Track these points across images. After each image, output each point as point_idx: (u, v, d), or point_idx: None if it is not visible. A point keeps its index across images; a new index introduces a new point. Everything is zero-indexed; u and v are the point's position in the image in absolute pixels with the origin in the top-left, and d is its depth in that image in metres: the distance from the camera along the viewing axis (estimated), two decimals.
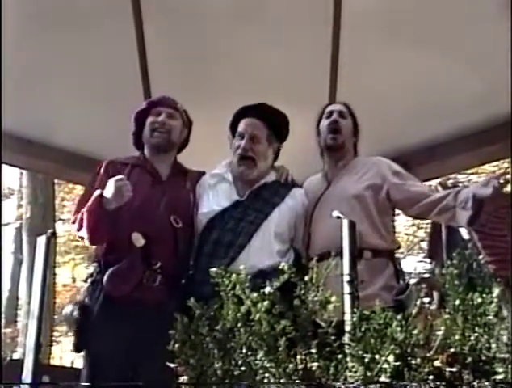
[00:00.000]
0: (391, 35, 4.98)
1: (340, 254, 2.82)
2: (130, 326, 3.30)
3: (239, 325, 2.25)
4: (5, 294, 15.30)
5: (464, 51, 4.99)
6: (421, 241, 13.40)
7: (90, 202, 3.44)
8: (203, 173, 3.91)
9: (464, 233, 6.53)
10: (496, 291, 2.09)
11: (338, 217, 2.83)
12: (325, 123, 3.95)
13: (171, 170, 3.82)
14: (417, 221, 12.19)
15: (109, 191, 3.40)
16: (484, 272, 2.10)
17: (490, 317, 2.06)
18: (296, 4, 4.87)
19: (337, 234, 2.73)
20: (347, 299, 2.49)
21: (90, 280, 3.56)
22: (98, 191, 3.45)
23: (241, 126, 3.76)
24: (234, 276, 2.34)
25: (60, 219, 15.80)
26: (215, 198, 3.72)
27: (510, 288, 2.11)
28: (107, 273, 3.42)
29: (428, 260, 8.46)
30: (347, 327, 2.26)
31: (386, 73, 5.10)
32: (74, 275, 18.68)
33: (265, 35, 5.03)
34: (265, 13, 4.94)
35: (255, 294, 2.31)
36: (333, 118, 3.91)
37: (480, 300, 2.07)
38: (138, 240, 3.44)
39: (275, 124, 3.81)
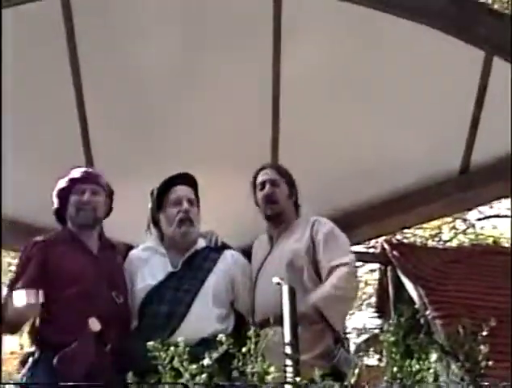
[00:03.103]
0: (332, 94, 5.04)
1: (279, 321, 2.84)
2: None
3: None
4: None
5: (406, 109, 5.09)
6: (370, 297, 13.44)
7: None
8: (128, 246, 3.90)
9: (411, 288, 6.58)
10: (433, 357, 2.09)
11: (278, 284, 2.82)
12: (259, 195, 3.99)
13: (100, 243, 3.77)
14: (365, 277, 12.24)
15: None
16: (421, 338, 2.10)
17: (429, 384, 2.05)
18: (236, 64, 4.90)
19: (277, 301, 2.72)
20: (289, 368, 2.46)
21: (31, 360, 3.47)
22: None
23: (177, 193, 3.81)
24: (172, 348, 2.30)
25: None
26: (149, 272, 3.72)
27: (447, 353, 2.11)
28: (59, 355, 3.32)
29: (377, 316, 8.49)
30: None
31: (327, 133, 5.13)
32: (22, 342, 18.20)
33: (205, 98, 5.03)
34: (203, 74, 4.95)
35: (194, 366, 2.27)
36: (267, 191, 3.96)
37: (417, 366, 2.06)
38: (95, 325, 3.39)
39: (196, 189, 3.91)
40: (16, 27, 4.48)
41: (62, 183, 3.80)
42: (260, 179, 4.03)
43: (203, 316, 3.54)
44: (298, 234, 3.87)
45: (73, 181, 3.78)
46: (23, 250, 3.67)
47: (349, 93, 5.06)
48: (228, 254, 3.86)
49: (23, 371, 3.50)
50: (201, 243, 3.84)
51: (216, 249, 3.87)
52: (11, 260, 16.06)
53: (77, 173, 3.84)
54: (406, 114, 5.12)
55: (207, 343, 3.11)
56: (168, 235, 3.79)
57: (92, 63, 4.84)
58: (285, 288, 2.70)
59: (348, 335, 3.39)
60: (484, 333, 2.09)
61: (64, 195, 3.76)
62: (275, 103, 5.06)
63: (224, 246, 3.91)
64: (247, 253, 4.11)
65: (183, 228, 3.74)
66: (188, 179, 3.88)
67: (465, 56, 4.78)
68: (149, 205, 3.90)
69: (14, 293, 3.41)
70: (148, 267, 3.75)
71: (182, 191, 3.82)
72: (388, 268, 6.56)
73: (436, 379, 2.08)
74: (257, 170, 4.14)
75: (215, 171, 4.85)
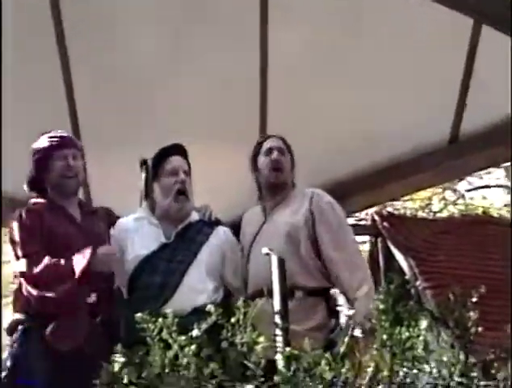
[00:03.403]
0: (319, 68, 5.02)
1: (271, 292, 2.83)
2: (68, 378, 3.21)
3: (166, 370, 2.19)
4: None
5: (394, 80, 5.08)
6: None
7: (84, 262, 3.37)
8: (108, 210, 3.87)
9: (401, 259, 6.58)
10: (423, 324, 2.07)
11: (267, 254, 2.81)
12: (265, 160, 3.94)
13: (81, 210, 3.74)
14: None
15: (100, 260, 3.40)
16: (410, 305, 2.08)
17: (418, 351, 2.04)
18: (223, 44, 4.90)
19: (266, 272, 2.71)
20: (279, 338, 2.45)
21: (20, 328, 3.43)
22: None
23: (172, 163, 3.80)
24: (160, 319, 2.28)
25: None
26: (141, 242, 3.70)
27: (436, 320, 2.10)
28: (51, 326, 3.32)
29: None
30: (279, 367, 2.22)
31: (316, 105, 5.12)
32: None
33: (196, 74, 5.01)
34: (190, 58, 4.94)
35: (183, 337, 2.26)
36: (275, 157, 3.91)
37: (407, 334, 2.05)
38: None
39: (189, 162, 3.91)
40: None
41: (41, 150, 3.70)
42: (267, 145, 3.99)
43: (197, 287, 3.56)
44: (294, 206, 3.85)
45: (52, 147, 3.68)
46: (18, 217, 3.59)
47: (336, 67, 5.05)
48: (220, 230, 3.87)
49: (13, 338, 3.45)
50: (195, 216, 3.83)
51: (210, 223, 3.87)
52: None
53: (54, 139, 3.72)
54: (394, 85, 5.11)
55: (200, 313, 3.09)
56: (162, 207, 3.77)
57: (80, 44, 4.83)
58: (274, 259, 2.69)
59: (340, 308, 3.37)
60: (474, 299, 2.07)
61: (43, 162, 3.66)
62: (263, 79, 5.06)
63: (218, 222, 3.92)
64: (236, 227, 4.10)
65: (180, 202, 3.74)
66: (181, 150, 3.88)
67: (453, 24, 4.76)
68: (143, 175, 3.86)
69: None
70: (140, 237, 3.73)
71: (177, 161, 3.82)
72: (379, 240, 6.53)
73: (426, 346, 2.06)
74: (262, 138, 4.13)
75: (202, 145, 4.83)
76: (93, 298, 3.38)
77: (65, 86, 4.98)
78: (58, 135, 3.76)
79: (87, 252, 3.37)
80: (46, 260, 3.36)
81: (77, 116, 5.09)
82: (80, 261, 3.34)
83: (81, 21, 4.74)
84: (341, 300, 3.37)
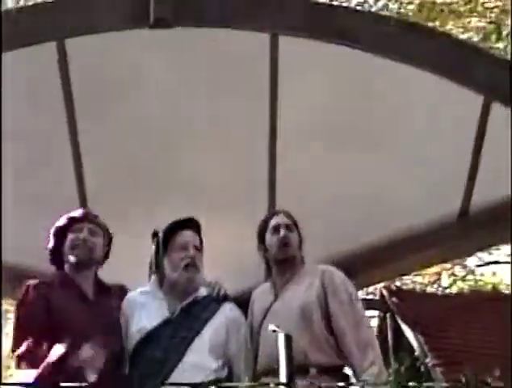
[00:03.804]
0: (328, 138, 5.02)
1: None
2: None
3: None
4: None
5: (403, 152, 5.08)
6: None
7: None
8: (123, 287, 3.82)
9: (410, 335, 6.50)
10: None
11: (274, 331, 2.75)
12: (273, 238, 3.87)
13: (95, 287, 3.70)
14: None
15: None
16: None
17: None
18: (233, 114, 4.90)
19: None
20: None
21: None
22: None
23: (183, 237, 3.75)
24: None
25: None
26: (146, 315, 3.63)
27: None
28: None
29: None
30: None
31: (323, 181, 5.11)
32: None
33: (204, 146, 5.03)
34: (199, 119, 4.95)
35: None
36: (283, 234, 3.84)
37: None
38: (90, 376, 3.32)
39: (201, 236, 3.84)
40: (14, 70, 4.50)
41: (60, 221, 3.74)
42: (274, 222, 3.92)
43: (197, 365, 3.47)
44: (306, 282, 3.77)
45: (71, 220, 3.73)
46: (24, 293, 3.57)
47: (345, 137, 5.05)
48: (227, 306, 3.77)
49: None
50: (202, 292, 3.75)
51: (217, 300, 3.78)
52: (8, 307, 16.02)
53: (76, 212, 3.81)
54: (404, 158, 5.10)
55: None
56: (171, 280, 3.70)
57: (87, 109, 4.84)
58: (281, 336, 2.63)
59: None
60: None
61: (61, 233, 3.70)
62: (272, 146, 5.05)
63: (225, 298, 3.82)
64: (244, 301, 4.03)
65: (189, 273, 3.67)
66: (193, 224, 3.82)
67: (464, 101, 4.78)
68: (153, 248, 3.83)
69: None
70: (145, 310, 3.66)
71: (188, 236, 3.76)
72: (387, 315, 6.49)
73: None
74: (269, 215, 4.08)
75: (211, 214, 4.82)
76: (94, 378, 3.31)
77: (73, 157, 5.00)
78: (80, 210, 3.84)
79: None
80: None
81: (84, 182, 5.10)
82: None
83: (88, 82, 4.76)
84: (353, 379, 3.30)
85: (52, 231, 3.74)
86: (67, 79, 4.70)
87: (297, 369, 3.37)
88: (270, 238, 3.89)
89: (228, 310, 3.76)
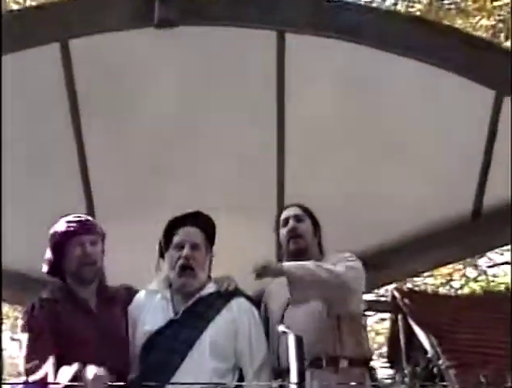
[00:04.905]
0: (337, 140, 4.97)
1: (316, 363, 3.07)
2: None
3: None
4: None
5: (415, 152, 5.01)
6: (381, 347, 13.26)
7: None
8: (130, 289, 3.73)
9: (423, 337, 6.44)
10: None
11: (284, 332, 2.69)
12: (283, 232, 3.82)
13: (97, 296, 3.60)
14: (376, 327, 12.01)
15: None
16: None
17: None
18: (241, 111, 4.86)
19: (308, 341, 2.70)
20: None
21: None
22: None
23: (180, 236, 3.58)
24: None
25: (13, 339, 15.31)
26: (151, 318, 3.51)
27: None
28: None
29: (389, 366, 8.32)
30: None
31: (333, 180, 5.06)
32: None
33: (211, 145, 4.98)
34: (209, 122, 4.90)
35: None
36: (291, 226, 3.79)
37: None
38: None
39: (209, 232, 3.66)
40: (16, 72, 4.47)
41: (58, 234, 3.59)
42: (284, 215, 3.87)
43: (198, 369, 3.31)
44: None
45: (69, 233, 3.56)
46: (30, 310, 3.50)
47: (355, 138, 5.01)
48: (235, 302, 3.56)
49: None
50: (209, 289, 3.58)
51: (224, 296, 3.58)
52: (18, 314, 16.01)
53: (72, 224, 3.61)
54: (416, 157, 5.04)
55: None
56: (171, 280, 3.59)
57: (92, 109, 4.80)
58: (291, 337, 2.57)
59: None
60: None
61: (60, 247, 3.56)
62: (280, 148, 5.01)
63: (235, 293, 3.61)
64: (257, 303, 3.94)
65: (183, 278, 3.50)
66: (198, 220, 3.64)
67: (475, 97, 4.72)
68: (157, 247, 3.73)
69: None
70: (151, 312, 3.54)
71: (186, 234, 3.57)
72: (399, 317, 6.42)
73: None
74: (280, 210, 4.04)
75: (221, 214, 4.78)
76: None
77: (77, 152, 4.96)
78: (76, 219, 3.63)
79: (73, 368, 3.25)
80: None
81: (90, 181, 5.07)
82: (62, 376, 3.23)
83: (93, 83, 4.73)
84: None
85: (50, 244, 3.60)
86: (71, 78, 4.66)
87: (328, 361, 3.38)
88: (281, 233, 3.84)
89: (237, 306, 3.56)
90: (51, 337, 3.37)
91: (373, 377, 3.52)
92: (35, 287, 5.11)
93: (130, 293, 3.72)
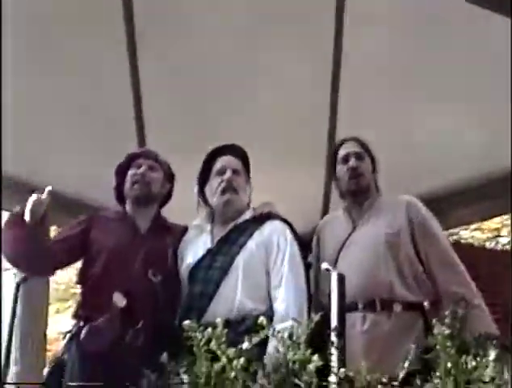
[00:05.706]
0: (390, 84, 4.93)
1: (370, 306, 3.15)
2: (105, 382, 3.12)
3: (212, 383, 2.06)
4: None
5: (464, 104, 4.94)
6: None
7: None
8: (186, 228, 3.74)
9: None
10: (492, 354, 1.90)
11: (328, 270, 2.66)
12: (343, 168, 3.71)
13: (151, 223, 3.68)
14: None
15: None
16: (479, 333, 1.91)
17: (485, 383, 1.87)
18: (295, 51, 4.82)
19: (362, 283, 2.96)
20: (334, 357, 2.28)
21: (68, 336, 3.45)
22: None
23: (221, 163, 3.62)
24: (209, 329, 2.16)
25: None
26: (193, 252, 3.54)
27: (508, 351, 1.91)
28: (84, 329, 3.28)
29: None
30: None
31: (385, 125, 5.01)
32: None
33: (264, 83, 4.96)
34: (263, 59, 4.86)
35: (232, 350, 2.13)
36: (352, 164, 3.68)
37: (474, 363, 1.88)
38: (120, 300, 3.29)
39: (247, 163, 3.68)
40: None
41: (120, 163, 3.81)
42: (343, 152, 3.75)
43: (231, 296, 3.28)
44: (388, 214, 3.61)
45: (131, 157, 3.79)
46: (82, 219, 3.71)
47: (407, 85, 4.96)
48: (267, 224, 3.49)
49: (61, 347, 3.48)
50: (245, 216, 3.57)
51: (260, 219, 3.53)
52: None
53: (136, 151, 3.89)
54: (469, 106, 4.97)
55: (232, 325, 2.96)
56: (213, 206, 3.60)
57: (149, 41, 4.83)
58: (334, 275, 2.54)
59: None
60: None
61: (122, 170, 3.76)
62: (334, 91, 4.99)
63: (270, 216, 3.55)
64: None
65: (226, 195, 3.51)
66: (235, 151, 3.67)
67: None
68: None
69: None
70: (193, 246, 3.58)
71: (225, 161, 3.61)
72: None
73: (493, 379, 1.88)
74: (337, 144, 3.89)
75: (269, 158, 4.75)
76: (123, 303, 3.29)
77: (132, 90, 5.02)
78: (141, 148, 3.92)
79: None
80: None
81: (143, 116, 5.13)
82: None
83: (151, 15, 4.74)
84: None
85: (114, 170, 3.80)
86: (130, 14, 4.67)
87: (381, 304, 3.36)
88: (340, 169, 3.74)
89: (269, 228, 3.49)
90: (82, 244, 3.57)
91: (427, 323, 3.36)
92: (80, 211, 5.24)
93: (186, 232, 3.77)
